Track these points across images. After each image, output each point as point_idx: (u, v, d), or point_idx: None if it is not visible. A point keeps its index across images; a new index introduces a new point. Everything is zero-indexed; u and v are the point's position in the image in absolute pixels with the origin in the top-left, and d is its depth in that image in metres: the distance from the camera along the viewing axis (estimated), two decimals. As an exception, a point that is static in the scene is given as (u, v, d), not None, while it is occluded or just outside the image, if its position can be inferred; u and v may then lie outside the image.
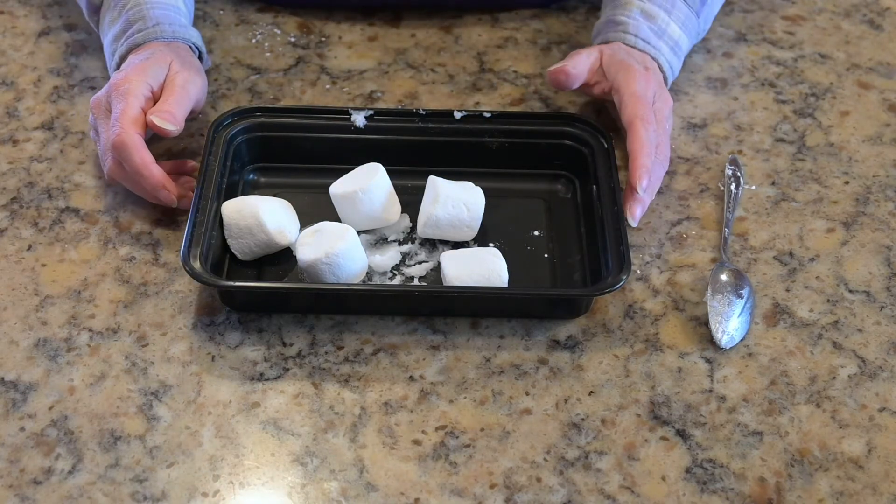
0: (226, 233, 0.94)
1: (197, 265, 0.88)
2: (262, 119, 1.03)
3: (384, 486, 0.81)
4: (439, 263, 0.93)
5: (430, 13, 1.23)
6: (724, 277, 0.93)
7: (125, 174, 0.96)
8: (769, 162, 1.07)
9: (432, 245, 0.97)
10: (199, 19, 1.22)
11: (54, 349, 0.89)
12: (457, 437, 0.84)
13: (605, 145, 1.00)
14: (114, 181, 0.99)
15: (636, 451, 0.83)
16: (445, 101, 1.13)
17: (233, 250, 0.94)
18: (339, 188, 0.96)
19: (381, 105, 1.12)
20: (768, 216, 1.02)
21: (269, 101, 1.12)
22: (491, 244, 0.97)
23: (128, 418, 0.84)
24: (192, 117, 1.05)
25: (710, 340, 0.91)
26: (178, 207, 0.97)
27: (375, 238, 0.97)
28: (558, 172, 1.03)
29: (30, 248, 0.97)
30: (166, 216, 0.99)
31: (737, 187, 1.03)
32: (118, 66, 1.04)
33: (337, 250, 0.89)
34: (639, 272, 0.96)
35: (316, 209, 0.98)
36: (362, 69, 1.17)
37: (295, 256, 0.93)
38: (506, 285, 0.91)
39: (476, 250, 0.93)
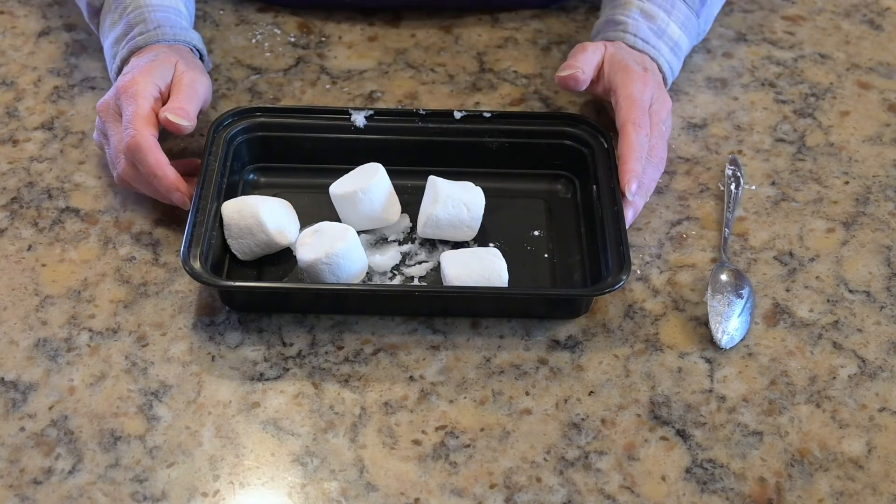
0: (226, 233, 0.94)
1: (197, 265, 0.88)
2: (262, 119, 1.02)
3: (384, 486, 0.81)
4: (439, 263, 0.93)
5: (430, 13, 1.23)
6: (724, 277, 0.93)
7: (138, 176, 0.96)
8: (769, 162, 1.07)
9: (432, 245, 0.97)
10: (199, 19, 1.22)
11: (54, 349, 0.89)
12: (457, 437, 0.84)
13: (605, 145, 1.00)
14: (125, 184, 0.98)
15: (636, 451, 0.83)
16: (445, 101, 1.13)
17: (233, 250, 0.94)
18: (339, 188, 0.96)
19: (381, 105, 1.12)
20: (768, 216, 1.02)
21: (269, 101, 1.12)
22: (491, 244, 0.97)
23: (128, 418, 0.84)
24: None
25: (710, 340, 0.91)
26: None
27: (375, 238, 0.97)
28: (558, 172, 1.03)
29: (30, 248, 0.97)
30: (166, 216, 0.99)
31: (737, 187, 1.03)
32: (120, 69, 1.03)
33: (337, 250, 0.89)
34: (639, 272, 0.96)
35: (316, 209, 0.98)
36: (362, 69, 1.17)
37: (295, 256, 0.93)
38: (506, 285, 0.91)
39: (476, 250, 0.93)
